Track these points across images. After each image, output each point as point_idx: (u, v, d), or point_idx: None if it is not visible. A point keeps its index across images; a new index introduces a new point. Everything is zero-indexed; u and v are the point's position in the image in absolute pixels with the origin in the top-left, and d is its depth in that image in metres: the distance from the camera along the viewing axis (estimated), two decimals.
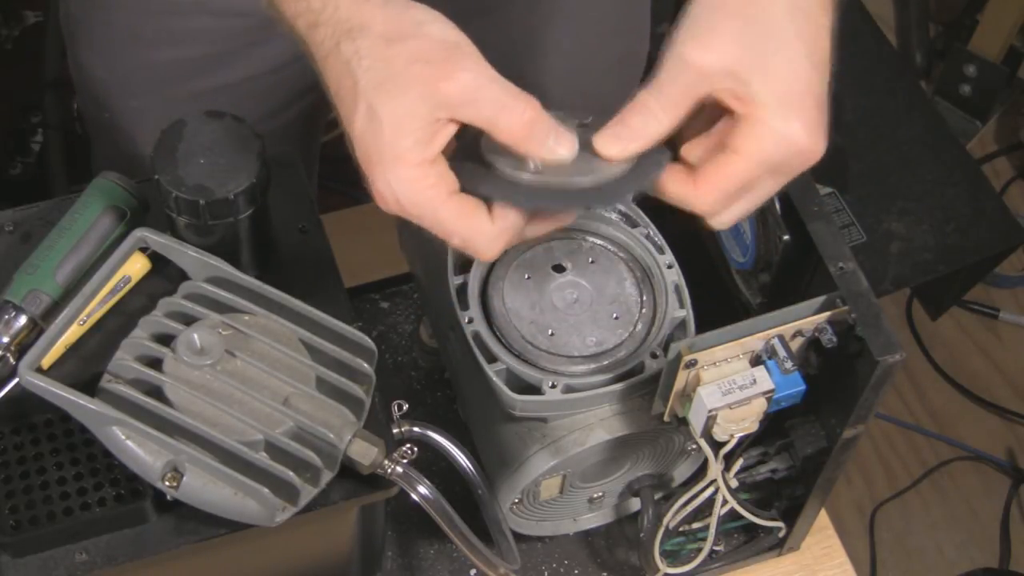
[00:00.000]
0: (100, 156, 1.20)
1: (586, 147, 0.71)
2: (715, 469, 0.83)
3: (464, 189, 0.69)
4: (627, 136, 0.70)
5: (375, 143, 0.67)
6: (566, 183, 0.70)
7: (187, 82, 1.05)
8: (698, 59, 0.68)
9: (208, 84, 1.04)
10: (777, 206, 0.82)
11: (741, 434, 0.79)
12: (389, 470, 0.74)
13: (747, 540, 0.98)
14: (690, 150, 0.72)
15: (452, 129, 0.68)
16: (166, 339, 0.73)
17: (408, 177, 0.67)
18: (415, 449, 0.76)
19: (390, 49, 0.66)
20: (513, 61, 1.10)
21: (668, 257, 0.85)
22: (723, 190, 0.70)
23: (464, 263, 0.84)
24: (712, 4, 0.69)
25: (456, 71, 0.66)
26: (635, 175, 0.71)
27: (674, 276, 0.84)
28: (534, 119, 0.67)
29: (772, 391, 0.77)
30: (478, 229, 0.69)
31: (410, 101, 0.66)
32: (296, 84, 1.08)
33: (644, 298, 0.83)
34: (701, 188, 0.71)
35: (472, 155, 0.71)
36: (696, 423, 0.78)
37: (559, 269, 0.84)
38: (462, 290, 0.83)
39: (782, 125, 0.69)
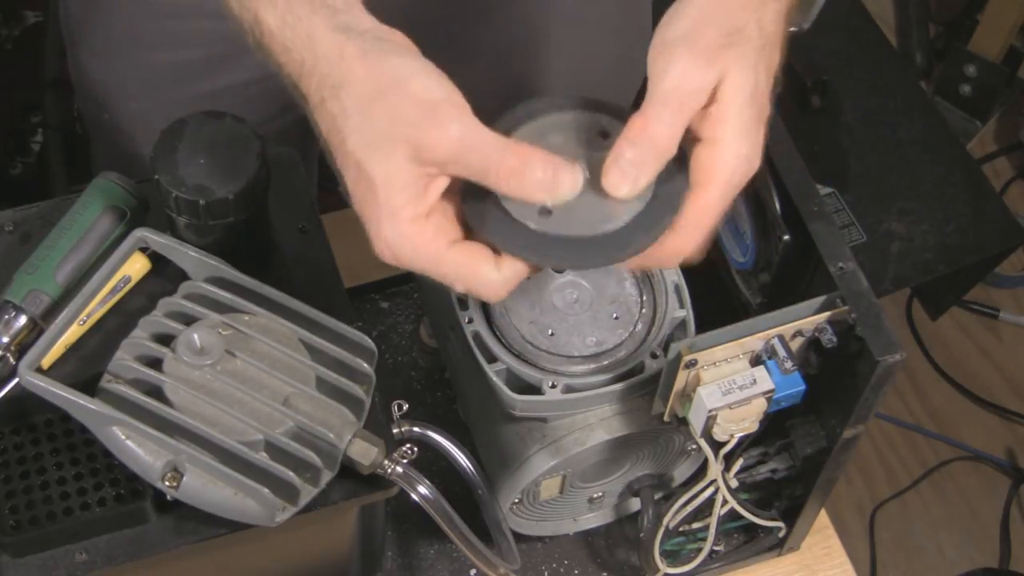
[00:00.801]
0: (100, 156, 1.20)
1: (599, 167, 0.68)
2: (715, 469, 0.83)
3: (473, 229, 0.68)
4: (634, 171, 0.67)
5: (369, 200, 0.66)
6: (573, 232, 0.68)
7: (186, 85, 1.05)
8: (699, 76, 0.66)
9: (207, 87, 1.04)
10: (777, 206, 0.82)
11: (741, 434, 0.79)
12: (389, 470, 0.74)
13: (747, 540, 0.98)
14: None
15: (445, 181, 0.67)
16: (166, 339, 0.73)
17: (405, 233, 0.66)
18: (415, 449, 0.76)
19: (373, 108, 0.65)
20: (513, 63, 1.10)
21: None
22: (705, 226, 0.69)
23: None
24: (703, 20, 0.67)
25: (439, 132, 0.65)
26: (650, 217, 0.68)
27: (674, 276, 0.84)
28: (523, 167, 0.65)
29: (772, 391, 0.77)
30: (483, 277, 0.68)
31: (398, 161, 0.65)
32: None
33: (644, 298, 0.83)
34: (684, 231, 0.69)
35: (483, 192, 0.69)
36: (696, 423, 0.78)
37: (559, 269, 0.84)
38: None
39: (746, 148, 0.68)
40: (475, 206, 0.69)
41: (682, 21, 0.67)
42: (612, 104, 0.73)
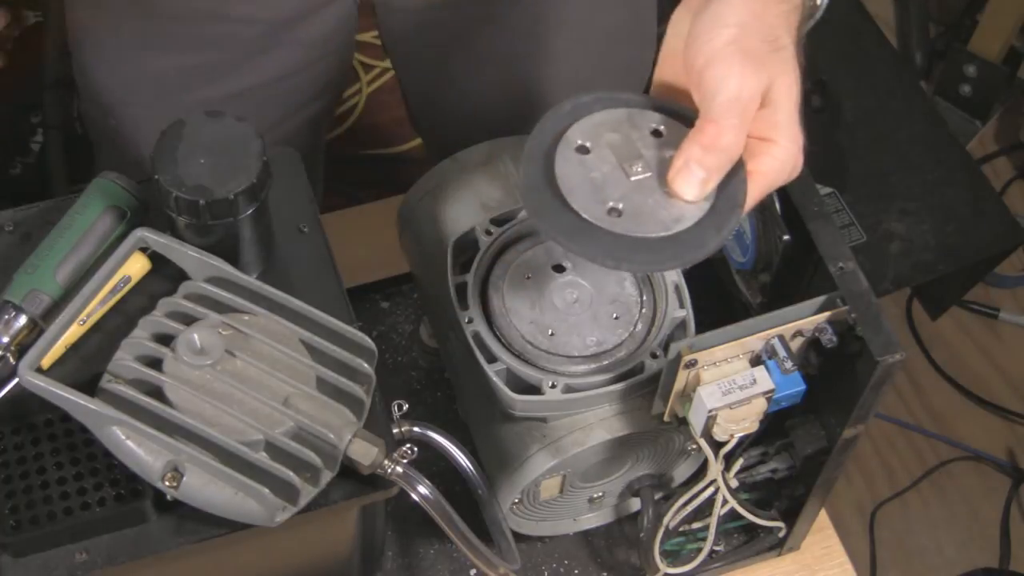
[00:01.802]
0: (103, 161, 1.20)
1: (661, 166, 0.70)
2: (715, 469, 0.83)
3: (545, 234, 0.70)
4: (704, 174, 0.69)
5: None
6: (649, 233, 0.68)
7: (192, 90, 1.05)
8: (755, 82, 0.69)
9: (214, 93, 1.05)
10: (777, 206, 0.82)
11: (741, 434, 0.79)
12: (389, 470, 0.74)
13: (747, 540, 0.98)
14: None
15: None
16: (166, 339, 0.73)
17: None
18: (415, 449, 0.76)
19: None
20: (519, 70, 1.10)
21: None
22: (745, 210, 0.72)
23: (464, 263, 0.85)
24: (746, 30, 0.70)
25: None
26: (718, 216, 0.69)
27: (674, 276, 0.84)
28: None
29: (772, 391, 0.77)
30: None
31: None
32: (301, 93, 1.08)
33: (644, 298, 0.83)
34: None
35: (551, 195, 0.69)
36: (696, 423, 0.78)
37: (559, 269, 0.84)
38: (462, 290, 0.83)
39: (795, 148, 0.71)
40: (545, 208, 0.68)
41: (726, 31, 0.70)
42: (657, 101, 0.74)
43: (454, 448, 0.82)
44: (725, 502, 0.86)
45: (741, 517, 0.90)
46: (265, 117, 1.07)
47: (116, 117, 1.09)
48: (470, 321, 0.81)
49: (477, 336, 0.81)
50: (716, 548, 0.96)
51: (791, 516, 0.93)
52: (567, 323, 0.82)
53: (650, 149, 0.71)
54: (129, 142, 1.09)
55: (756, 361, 0.77)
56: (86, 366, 0.76)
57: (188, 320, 0.74)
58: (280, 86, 1.07)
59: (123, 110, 1.08)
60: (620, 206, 0.68)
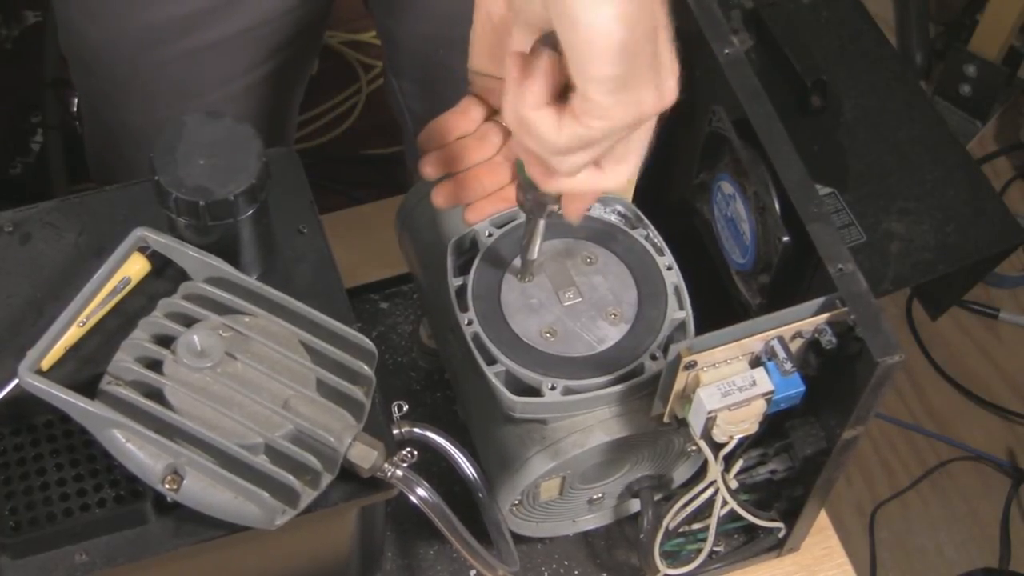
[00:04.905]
0: (89, 128, 1.20)
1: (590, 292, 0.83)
2: (715, 470, 0.83)
3: None
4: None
5: None
6: (576, 352, 0.81)
7: (179, 40, 1.04)
8: None
9: (199, 41, 1.04)
10: (777, 207, 0.82)
11: (741, 435, 0.79)
12: (389, 473, 0.74)
13: (747, 541, 0.98)
14: None
15: None
16: (166, 340, 0.73)
17: None
18: (415, 453, 0.76)
19: None
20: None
21: (668, 258, 0.85)
22: None
23: (464, 264, 0.85)
24: None
25: None
26: (636, 336, 0.81)
27: (674, 277, 0.84)
28: None
29: (772, 392, 0.77)
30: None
31: None
32: (283, 35, 1.09)
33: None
34: None
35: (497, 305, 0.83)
36: (696, 424, 0.78)
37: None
38: (462, 291, 0.83)
39: None
40: (489, 322, 0.81)
41: None
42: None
43: (454, 449, 0.82)
44: (725, 503, 0.86)
45: (741, 518, 0.90)
46: (247, 60, 1.07)
47: (98, 75, 1.09)
48: (470, 323, 0.81)
49: (477, 338, 0.81)
50: (716, 549, 0.96)
51: (791, 517, 0.93)
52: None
53: (582, 276, 0.83)
54: (110, 102, 1.09)
55: (756, 362, 0.77)
56: (86, 367, 0.76)
57: (188, 321, 0.74)
58: (262, 30, 1.07)
59: (106, 68, 1.08)
60: (553, 328, 0.81)
